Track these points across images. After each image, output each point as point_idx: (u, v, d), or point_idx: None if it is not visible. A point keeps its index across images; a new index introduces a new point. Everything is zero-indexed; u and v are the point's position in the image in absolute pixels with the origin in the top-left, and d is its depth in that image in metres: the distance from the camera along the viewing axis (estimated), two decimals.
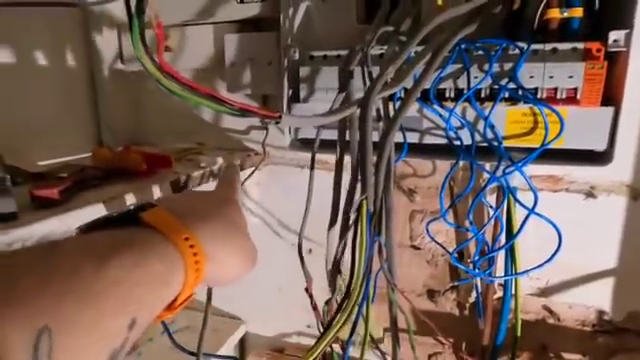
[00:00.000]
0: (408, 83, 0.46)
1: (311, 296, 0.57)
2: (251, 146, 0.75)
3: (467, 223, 0.58)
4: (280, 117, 0.35)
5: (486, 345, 0.66)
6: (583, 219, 0.60)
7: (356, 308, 0.45)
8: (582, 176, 0.59)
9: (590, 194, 0.59)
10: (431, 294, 0.72)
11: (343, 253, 0.48)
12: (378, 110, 0.51)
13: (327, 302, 0.47)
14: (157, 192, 0.48)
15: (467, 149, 0.51)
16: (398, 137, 0.53)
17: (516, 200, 0.53)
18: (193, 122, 0.78)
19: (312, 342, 0.42)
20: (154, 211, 0.27)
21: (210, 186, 0.71)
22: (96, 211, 0.42)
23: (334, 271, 0.48)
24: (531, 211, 0.52)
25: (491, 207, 0.58)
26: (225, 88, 0.70)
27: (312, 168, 0.55)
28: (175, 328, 0.82)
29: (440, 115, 0.51)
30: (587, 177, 0.59)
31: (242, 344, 0.85)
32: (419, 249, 0.70)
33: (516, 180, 0.56)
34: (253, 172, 0.69)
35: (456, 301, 0.70)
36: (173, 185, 0.52)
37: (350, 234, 0.46)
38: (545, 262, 0.52)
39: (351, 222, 0.44)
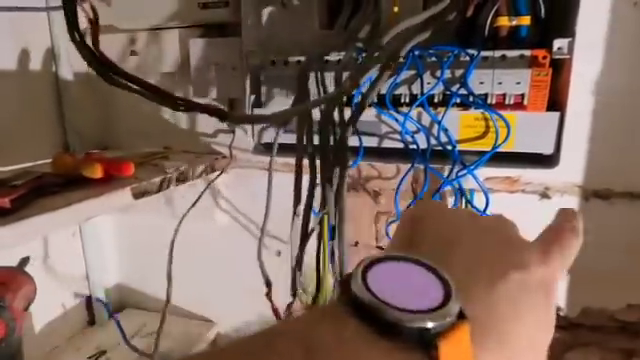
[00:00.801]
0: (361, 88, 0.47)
1: (271, 300, 0.58)
2: (218, 149, 0.75)
3: None
4: (227, 115, 0.35)
5: None
6: (539, 219, 0.61)
7: None
8: (537, 178, 0.61)
9: (545, 195, 0.61)
10: None
11: (302, 259, 0.49)
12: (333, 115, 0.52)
13: (289, 306, 0.48)
14: (113, 198, 0.48)
15: (423, 153, 0.53)
16: (356, 141, 0.54)
17: (468, 202, 0.55)
18: (161, 125, 0.78)
19: None
20: (457, 338, 0.16)
21: (176, 190, 0.72)
22: (50, 220, 0.42)
23: (294, 276, 0.49)
24: (483, 213, 0.53)
25: None
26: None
27: (270, 171, 0.56)
28: (147, 331, 0.83)
29: (396, 120, 0.53)
30: (542, 179, 0.61)
31: (214, 345, 0.86)
32: (383, 249, 0.72)
33: (474, 183, 0.58)
34: (219, 175, 0.70)
35: None
36: (134, 191, 0.53)
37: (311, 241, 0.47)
38: None
39: (312, 232, 0.45)
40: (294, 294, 0.46)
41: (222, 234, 0.78)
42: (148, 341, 0.80)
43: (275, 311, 0.57)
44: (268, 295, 0.55)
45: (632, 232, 0.58)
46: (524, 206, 0.62)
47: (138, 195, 0.54)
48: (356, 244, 0.74)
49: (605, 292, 0.62)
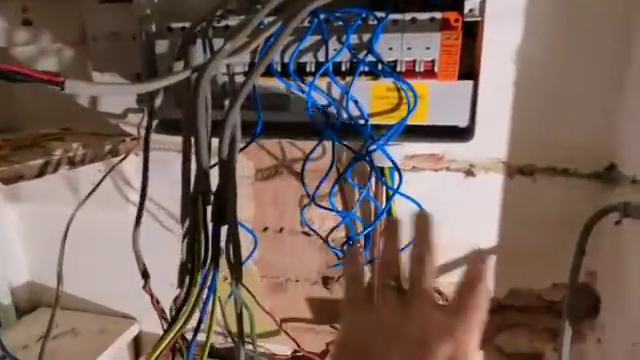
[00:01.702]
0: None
1: (150, 293, 0.52)
2: (129, 130, 0.68)
3: (354, 207, 0.55)
4: (63, 82, 0.29)
5: None
6: (464, 198, 0.59)
7: (200, 303, 0.41)
8: (461, 154, 0.58)
9: (469, 172, 0.58)
10: (325, 281, 0.69)
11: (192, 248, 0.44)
12: (224, 86, 0.46)
13: (175, 299, 0.43)
14: None
15: (332, 127, 0.48)
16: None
17: (379, 179, 0.51)
18: (67, 106, 0.70)
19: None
20: None
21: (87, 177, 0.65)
22: None
23: (182, 266, 0.43)
24: (395, 191, 0.49)
25: (360, 188, 0.55)
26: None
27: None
28: (58, 332, 0.76)
29: (302, 91, 0.48)
30: (466, 155, 0.58)
31: (137, 343, 0.80)
32: (310, 235, 0.67)
33: (397, 159, 0.54)
34: (124, 158, 0.63)
35: None
36: (1, 175, 0.46)
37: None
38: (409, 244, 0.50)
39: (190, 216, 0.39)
40: (180, 286, 0.41)
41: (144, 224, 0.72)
42: (58, 343, 0.73)
43: (155, 304, 0.52)
44: (145, 287, 0.50)
45: (555, 209, 0.56)
46: (450, 184, 0.59)
47: (9, 180, 0.47)
48: (281, 230, 0.69)
49: (531, 272, 0.60)
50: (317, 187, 0.53)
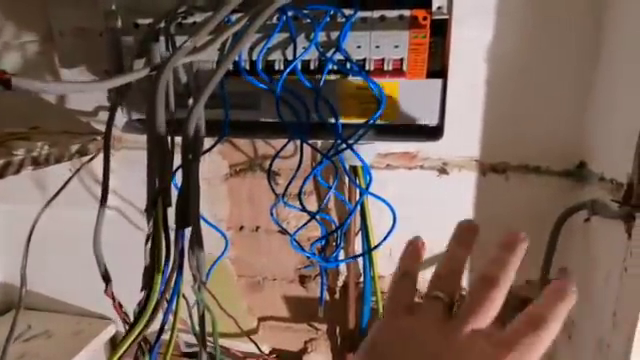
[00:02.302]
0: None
1: (113, 297, 0.52)
2: (100, 128, 0.67)
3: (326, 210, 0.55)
4: (9, 80, 0.28)
5: (352, 329, 0.65)
6: (438, 196, 0.59)
7: (162, 306, 0.40)
8: (435, 152, 0.58)
9: (443, 170, 0.58)
10: (302, 280, 0.69)
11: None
12: (188, 85, 0.45)
13: (140, 302, 0.42)
14: None
15: (301, 126, 0.47)
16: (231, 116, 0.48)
17: (351, 179, 0.51)
18: (37, 104, 0.68)
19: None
20: None
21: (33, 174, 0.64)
22: None
23: (146, 270, 0.43)
24: (365, 191, 0.49)
25: (329, 187, 0.55)
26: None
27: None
28: (32, 334, 0.74)
29: (271, 90, 0.47)
30: (439, 153, 0.57)
31: (114, 344, 0.79)
32: (286, 234, 0.67)
33: (369, 158, 0.54)
34: (93, 157, 0.62)
35: (326, 285, 0.68)
36: None
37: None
38: (380, 243, 0.50)
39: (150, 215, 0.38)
40: (143, 289, 0.40)
41: (110, 224, 0.71)
42: (32, 345, 0.72)
43: (117, 308, 0.51)
44: (106, 291, 0.49)
45: (527, 207, 0.56)
46: (424, 183, 0.59)
47: None
48: (257, 229, 0.68)
49: None
50: (286, 187, 0.53)
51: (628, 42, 0.44)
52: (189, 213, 0.38)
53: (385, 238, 0.49)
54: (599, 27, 0.48)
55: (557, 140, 0.53)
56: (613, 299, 0.42)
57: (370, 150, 0.52)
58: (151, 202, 0.37)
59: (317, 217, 0.54)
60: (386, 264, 0.63)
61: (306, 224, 0.57)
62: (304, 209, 0.53)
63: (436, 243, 0.62)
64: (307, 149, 0.59)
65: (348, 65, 0.45)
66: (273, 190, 0.54)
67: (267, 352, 0.73)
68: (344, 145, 0.46)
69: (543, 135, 0.53)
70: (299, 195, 0.52)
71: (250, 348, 0.72)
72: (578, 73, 0.50)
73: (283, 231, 0.61)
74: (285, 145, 0.49)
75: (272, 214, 0.56)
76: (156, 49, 0.44)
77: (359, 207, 0.56)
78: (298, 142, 0.60)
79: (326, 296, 0.68)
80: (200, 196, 0.40)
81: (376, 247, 0.54)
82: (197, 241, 0.40)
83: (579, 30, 0.49)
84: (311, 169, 0.56)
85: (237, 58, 0.46)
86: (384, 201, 0.49)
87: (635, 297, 0.38)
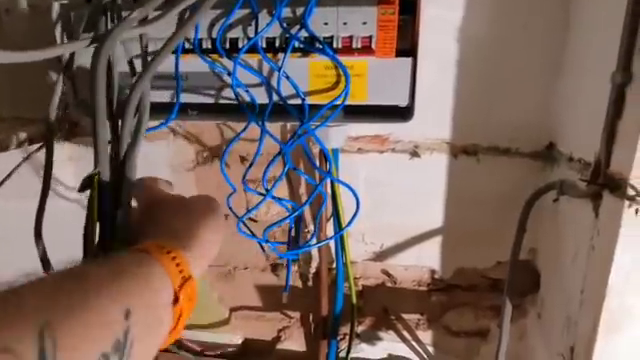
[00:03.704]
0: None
1: None
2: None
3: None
4: None
5: (326, 316, 0.64)
6: (410, 179, 0.58)
7: None
8: (406, 135, 0.57)
9: (415, 153, 0.57)
10: (274, 268, 0.67)
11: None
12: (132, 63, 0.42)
13: None
14: None
15: (261, 108, 0.45)
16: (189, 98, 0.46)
17: (312, 163, 0.49)
18: None
19: None
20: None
21: None
22: None
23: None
24: (327, 175, 0.48)
25: (294, 169, 0.53)
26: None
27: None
28: None
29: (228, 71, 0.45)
30: (411, 136, 0.57)
31: None
32: (256, 221, 0.65)
33: (340, 141, 0.52)
34: (43, 146, 0.58)
35: (298, 273, 0.67)
36: None
37: None
38: (345, 227, 0.49)
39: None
40: None
41: (69, 219, 0.67)
42: None
43: None
44: None
45: (498, 188, 0.56)
46: (395, 166, 0.58)
47: None
48: (226, 217, 0.66)
49: (476, 251, 0.60)
50: (244, 174, 0.51)
51: (595, 23, 0.43)
52: (122, 196, 0.35)
53: (350, 223, 0.48)
54: (567, 9, 0.47)
55: (527, 121, 0.53)
56: (580, 278, 0.43)
57: (341, 133, 0.51)
58: (81, 186, 0.34)
59: (273, 199, 0.51)
60: (358, 250, 0.63)
61: (255, 207, 0.54)
62: (257, 192, 0.51)
63: (410, 228, 0.62)
64: (278, 132, 0.57)
65: (315, 43, 0.43)
66: (227, 180, 0.51)
67: (240, 342, 0.71)
68: (313, 127, 0.44)
69: (513, 116, 0.53)
70: (263, 181, 0.50)
71: (221, 339, 0.71)
72: (547, 54, 0.49)
73: (253, 219, 0.59)
74: (245, 128, 0.47)
75: (229, 206, 0.54)
76: (103, 23, 0.40)
77: (330, 192, 0.55)
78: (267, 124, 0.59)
79: (299, 283, 0.67)
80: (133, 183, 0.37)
81: (341, 232, 0.53)
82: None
83: (548, 12, 0.48)
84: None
85: (195, 35, 0.43)
86: (346, 185, 0.48)
87: (602, 275, 0.38)
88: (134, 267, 0.28)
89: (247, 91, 0.45)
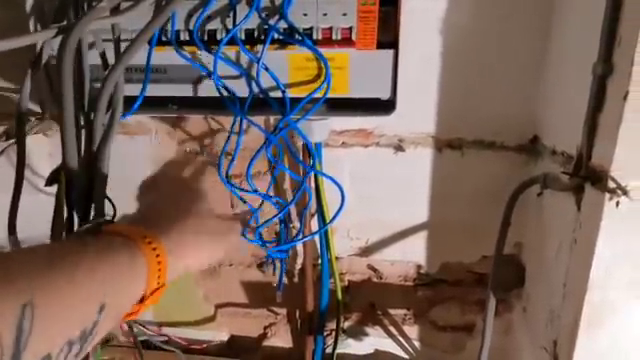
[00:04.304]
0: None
1: None
2: (35, 108, 0.61)
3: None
4: None
5: (312, 312, 0.63)
6: (395, 173, 0.57)
7: None
8: (391, 128, 0.56)
9: (399, 147, 0.57)
10: (260, 264, 0.67)
11: None
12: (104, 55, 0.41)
13: None
14: None
15: (242, 101, 0.45)
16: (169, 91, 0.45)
17: (294, 156, 0.48)
18: None
19: None
20: (114, 225, 0.33)
21: None
22: None
23: None
24: (311, 169, 0.47)
25: (275, 162, 0.53)
26: None
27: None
28: None
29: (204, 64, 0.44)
30: (395, 129, 0.56)
31: None
32: None
33: (323, 135, 0.51)
34: (18, 140, 0.57)
35: (285, 269, 0.66)
36: None
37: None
38: (329, 222, 0.48)
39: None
40: None
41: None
42: None
43: None
44: None
45: (483, 182, 0.56)
46: (380, 160, 0.57)
47: None
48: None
49: (461, 246, 0.60)
50: (227, 167, 0.50)
51: (577, 14, 0.43)
52: (95, 190, 0.34)
53: (334, 217, 0.47)
54: (551, 1, 0.47)
55: (511, 115, 0.53)
56: (563, 271, 0.43)
57: (324, 127, 0.50)
58: (47, 180, 0.34)
59: (265, 197, 0.51)
60: (344, 245, 0.62)
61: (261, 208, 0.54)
62: (239, 188, 0.51)
63: (395, 223, 0.61)
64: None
65: (295, 35, 0.42)
66: (221, 173, 0.51)
67: (226, 339, 0.71)
68: (295, 120, 0.44)
69: (498, 110, 0.53)
70: (247, 177, 0.49)
71: (207, 336, 0.70)
72: (530, 46, 0.49)
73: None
74: (234, 123, 0.46)
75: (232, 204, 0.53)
76: (72, 13, 0.39)
77: (314, 187, 0.54)
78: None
79: (284, 280, 0.66)
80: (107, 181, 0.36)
81: (325, 226, 0.52)
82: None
83: (531, 3, 0.48)
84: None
85: (172, 27, 0.42)
86: (331, 178, 0.47)
87: (583, 268, 0.38)
88: (123, 257, 0.28)
89: (226, 87, 0.44)
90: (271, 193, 0.61)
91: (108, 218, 0.33)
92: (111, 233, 0.31)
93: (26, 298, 0.22)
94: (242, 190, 0.50)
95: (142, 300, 0.30)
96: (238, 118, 0.45)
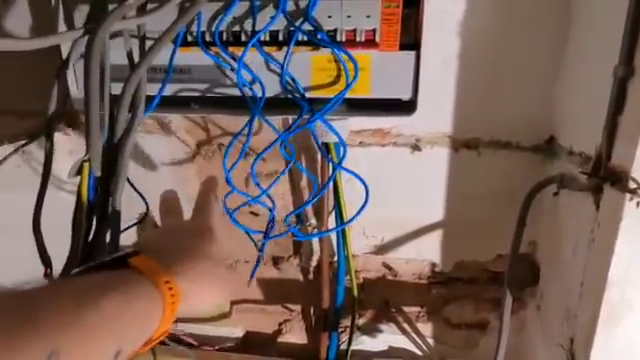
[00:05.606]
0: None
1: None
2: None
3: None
4: None
5: (327, 308, 0.64)
6: (411, 173, 0.58)
7: None
8: (408, 129, 0.57)
9: (416, 147, 0.57)
10: (275, 261, 0.68)
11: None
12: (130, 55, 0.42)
13: None
14: None
15: (266, 102, 0.45)
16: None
17: (323, 153, 0.49)
18: None
19: None
20: (140, 258, 0.31)
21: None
22: None
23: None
24: (337, 166, 0.48)
25: (290, 159, 0.53)
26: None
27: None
28: None
29: (230, 66, 0.45)
30: (412, 129, 0.57)
31: None
32: (257, 215, 0.65)
33: (343, 135, 0.52)
34: (30, 141, 0.58)
35: (299, 266, 0.67)
36: None
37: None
38: (352, 219, 0.49)
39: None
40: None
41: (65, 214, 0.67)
42: None
43: None
44: (45, 276, 0.47)
45: (498, 182, 0.56)
46: (397, 160, 0.58)
47: None
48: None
49: (477, 244, 0.61)
50: (231, 167, 0.51)
51: (597, 17, 0.43)
52: (115, 189, 0.35)
53: (358, 214, 0.48)
54: (569, 2, 0.48)
55: (528, 115, 0.53)
56: (580, 270, 0.43)
57: (343, 127, 0.51)
58: (71, 171, 0.35)
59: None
60: (359, 243, 0.63)
61: (253, 201, 0.55)
62: (238, 191, 0.52)
63: (411, 222, 0.62)
64: (280, 125, 0.57)
65: (318, 36, 0.43)
66: (227, 173, 0.52)
67: (241, 335, 0.72)
68: (315, 119, 0.44)
69: (514, 110, 0.53)
70: (252, 177, 0.50)
71: (223, 332, 0.71)
72: (548, 48, 0.50)
73: (254, 213, 0.59)
74: (250, 123, 0.47)
75: (225, 204, 0.54)
76: (99, 13, 0.40)
77: (332, 185, 0.55)
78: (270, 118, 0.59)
79: (300, 277, 0.67)
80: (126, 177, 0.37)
81: (347, 223, 0.53)
82: (113, 216, 0.38)
83: (550, 5, 0.48)
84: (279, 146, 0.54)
85: (197, 28, 0.43)
86: (356, 176, 0.48)
87: (602, 267, 0.39)
88: (144, 305, 0.29)
89: (251, 87, 0.45)
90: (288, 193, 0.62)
91: (132, 250, 0.32)
92: (136, 270, 0.30)
93: (53, 346, 0.22)
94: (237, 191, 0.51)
95: (147, 343, 0.30)
96: (256, 118, 0.46)
